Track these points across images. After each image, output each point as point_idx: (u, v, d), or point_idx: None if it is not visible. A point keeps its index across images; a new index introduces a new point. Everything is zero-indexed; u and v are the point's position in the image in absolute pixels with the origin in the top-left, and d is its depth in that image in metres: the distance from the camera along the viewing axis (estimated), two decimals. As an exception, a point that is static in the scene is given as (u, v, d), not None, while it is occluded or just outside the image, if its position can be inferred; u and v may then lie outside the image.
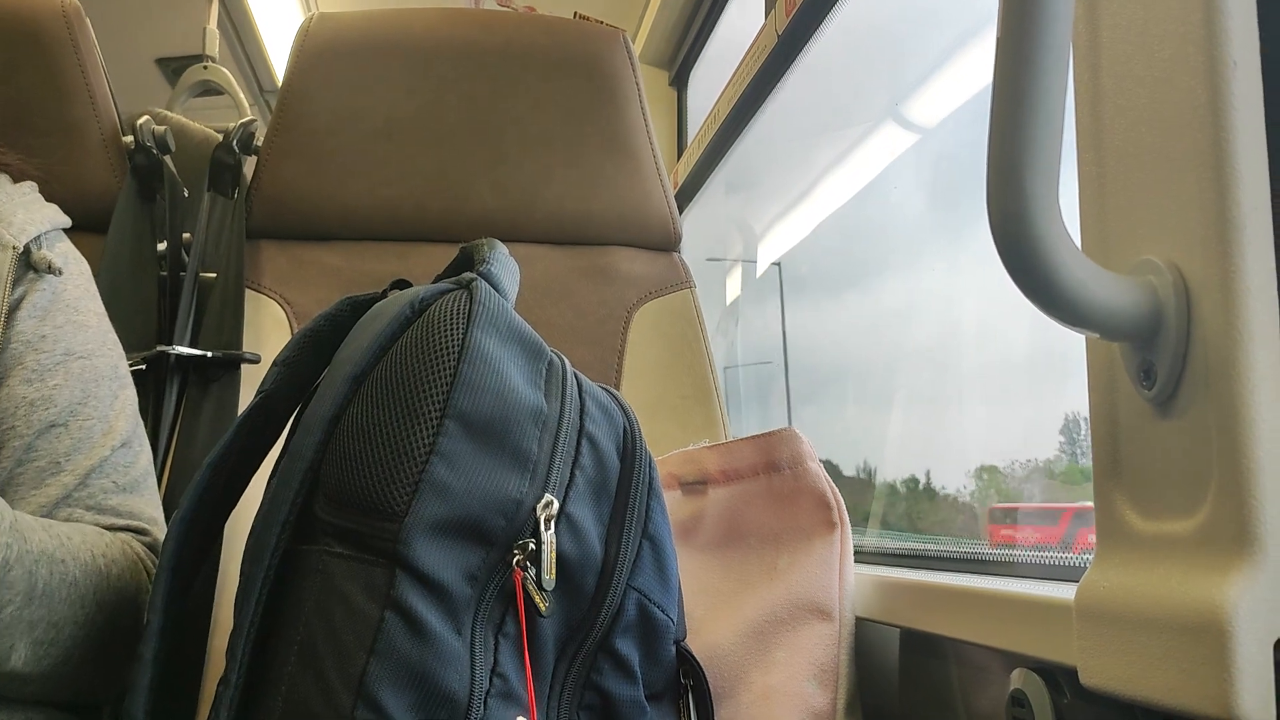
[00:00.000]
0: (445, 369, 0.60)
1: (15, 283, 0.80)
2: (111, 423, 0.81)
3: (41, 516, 0.75)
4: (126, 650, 0.71)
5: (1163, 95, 0.48)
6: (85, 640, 0.71)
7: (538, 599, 0.59)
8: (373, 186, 1.19)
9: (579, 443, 0.64)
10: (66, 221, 0.88)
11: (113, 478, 0.79)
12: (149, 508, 0.82)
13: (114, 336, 0.87)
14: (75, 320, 0.83)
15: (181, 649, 0.89)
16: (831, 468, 1.58)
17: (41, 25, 1.14)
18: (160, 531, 0.81)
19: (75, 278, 0.85)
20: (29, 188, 0.87)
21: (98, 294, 0.88)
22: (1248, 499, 0.43)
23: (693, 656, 0.68)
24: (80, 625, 0.70)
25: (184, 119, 1.46)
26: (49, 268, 0.82)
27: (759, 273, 2.08)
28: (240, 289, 1.12)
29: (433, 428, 0.58)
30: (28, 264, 0.81)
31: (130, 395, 0.85)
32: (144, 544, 0.79)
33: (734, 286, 2.15)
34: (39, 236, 0.83)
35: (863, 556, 0.99)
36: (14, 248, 0.80)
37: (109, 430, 0.80)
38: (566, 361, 0.68)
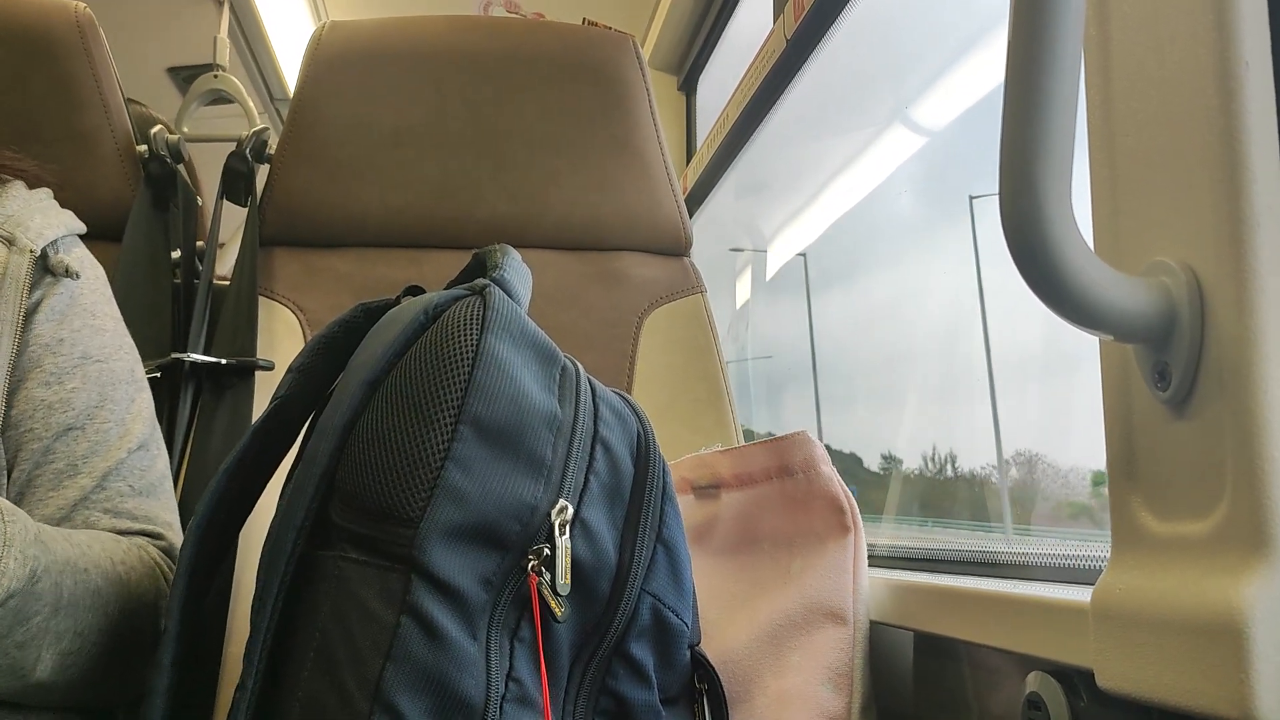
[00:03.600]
0: (459, 375, 0.60)
1: (33, 287, 0.80)
2: (128, 426, 0.82)
3: (59, 519, 0.75)
4: (144, 656, 0.71)
5: (1175, 96, 0.48)
6: (108, 648, 0.71)
7: (553, 604, 0.59)
8: (384, 193, 1.19)
9: (593, 447, 0.64)
10: (82, 228, 0.88)
11: (129, 481, 0.79)
12: (165, 512, 0.82)
13: (130, 341, 0.88)
14: (92, 324, 0.83)
15: (198, 654, 0.89)
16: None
17: (55, 34, 1.15)
18: (175, 536, 0.82)
19: (92, 282, 0.86)
20: (44, 194, 0.88)
21: (113, 299, 0.88)
22: (1263, 500, 0.43)
23: (707, 661, 0.68)
24: (104, 633, 0.71)
25: None
26: (66, 271, 0.82)
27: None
28: (254, 296, 1.13)
29: (447, 433, 0.58)
30: (45, 268, 0.82)
31: (146, 399, 0.86)
32: (159, 549, 0.79)
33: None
34: (55, 241, 0.83)
35: (876, 560, 0.99)
36: (31, 252, 0.80)
37: (125, 433, 0.81)
38: (580, 366, 0.68)
